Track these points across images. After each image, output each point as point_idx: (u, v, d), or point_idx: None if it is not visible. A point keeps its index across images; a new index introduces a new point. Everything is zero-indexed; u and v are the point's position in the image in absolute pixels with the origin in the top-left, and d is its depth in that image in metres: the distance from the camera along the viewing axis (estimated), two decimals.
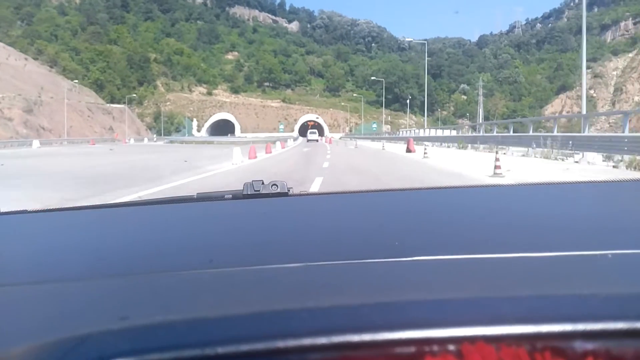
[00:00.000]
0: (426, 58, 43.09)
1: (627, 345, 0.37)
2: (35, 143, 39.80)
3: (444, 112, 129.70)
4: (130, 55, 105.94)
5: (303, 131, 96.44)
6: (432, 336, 0.37)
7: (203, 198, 1.19)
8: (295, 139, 60.34)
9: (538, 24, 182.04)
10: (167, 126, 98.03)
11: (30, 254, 0.81)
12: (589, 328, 0.37)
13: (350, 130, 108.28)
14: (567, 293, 0.48)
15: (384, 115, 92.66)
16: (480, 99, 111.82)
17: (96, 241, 0.90)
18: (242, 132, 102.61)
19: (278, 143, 32.07)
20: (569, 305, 0.43)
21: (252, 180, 1.14)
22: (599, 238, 0.72)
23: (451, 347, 0.37)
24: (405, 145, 24.06)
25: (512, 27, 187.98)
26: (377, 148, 30.44)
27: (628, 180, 1.27)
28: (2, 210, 1.18)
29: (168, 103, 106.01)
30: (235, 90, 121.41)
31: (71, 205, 1.22)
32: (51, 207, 1.20)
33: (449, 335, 0.37)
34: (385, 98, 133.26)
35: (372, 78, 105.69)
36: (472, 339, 0.37)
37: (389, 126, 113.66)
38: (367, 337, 0.37)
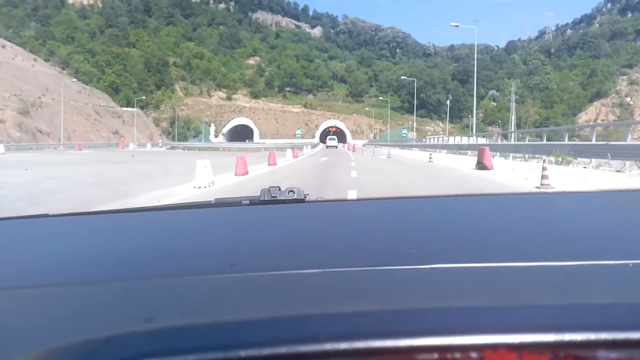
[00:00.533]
0: (475, 42, 35.37)
1: None
2: None
3: (470, 120, 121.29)
4: (148, 58, 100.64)
5: (324, 137, 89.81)
6: (454, 343, 0.36)
7: (221, 203, 1.18)
8: (314, 146, 53.51)
9: (568, 30, 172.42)
10: (183, 131, 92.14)
11: (53, 257, 0.81)
12: (611, 337, 0.36)
13: (375, 137, 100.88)
14: (590, 302, 0.47)
15: (414, 122, 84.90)
16: (513, 105, 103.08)
17: (119, 245, 0.89)
18: (260, 138, 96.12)
19: (289, 151, 24.88)
20: (592, 314, 0.42)
21: (270, 187, 1.12)
22: (621, 247, 0.70)
23: (473, 355, 0.36)
24: (468, 157, 16.14)
25: (541, 34, 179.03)
26: (419, 159, 22.21)
27: None
28: (24, 215, 1.16)
29: (185, 108, 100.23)
30: (255, 95, 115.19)
31: (91, 210, 1.23)
32: (71, 212, 1.20)
33: (471, 342, 0.36)
34: (410, 104, 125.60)
35: (403, 77, 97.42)
36: (494, 347, 0.36)
37: (414, 133, 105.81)
38: (389, 343, 0.36)
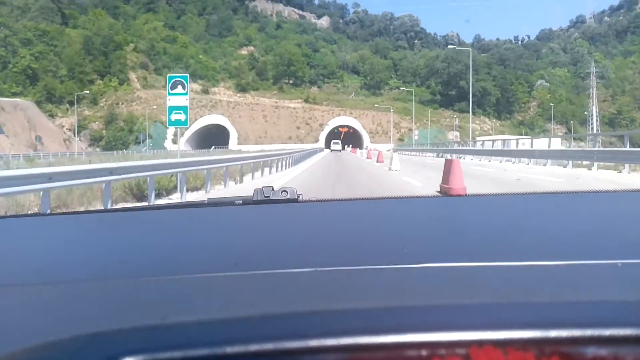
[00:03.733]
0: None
1: (634, 352, 0.33)
2: None
3: (524, 115, 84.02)
4: (89, 38, 65.25)
5: (331, 141, 54.72)
6: (440, 340, 0.34)
7: (214, 203, 1.10)
8: (296, 161, 17.23)
9: (606, 17, 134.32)
10: (122, 134, 56.71)
11: (44, 256, 0.75)
12: (597, 334, 0.34)
13: (402, 139, 64.42)
14: (575, 300, 0.44)
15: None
16: (594, 91, 65.88)
17: (110, 244, 0.84)
18: (239, 144, 60.38)
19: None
20: (577, 311, 0.40)
21: (262, 187, 1.05)
22: (609, 247, 0.66)
23: (459, 351, 0.33)
24: None
25: (574, 23, 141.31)
26: None
27: (638, 191, 1.18)
28: (20, 213, 1.01)
29: (137, 102, 64.72)
30: (242, 88, 79.65)
31: (84, 210, 1.12)
32: (64, 211, 1.02)
33: (457, 339, 0.34)
34: (444, 95, 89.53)
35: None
36: (480, 343, 0.33)
37: (457, 133, 69.71)
38: (375, 339, 0.34)
